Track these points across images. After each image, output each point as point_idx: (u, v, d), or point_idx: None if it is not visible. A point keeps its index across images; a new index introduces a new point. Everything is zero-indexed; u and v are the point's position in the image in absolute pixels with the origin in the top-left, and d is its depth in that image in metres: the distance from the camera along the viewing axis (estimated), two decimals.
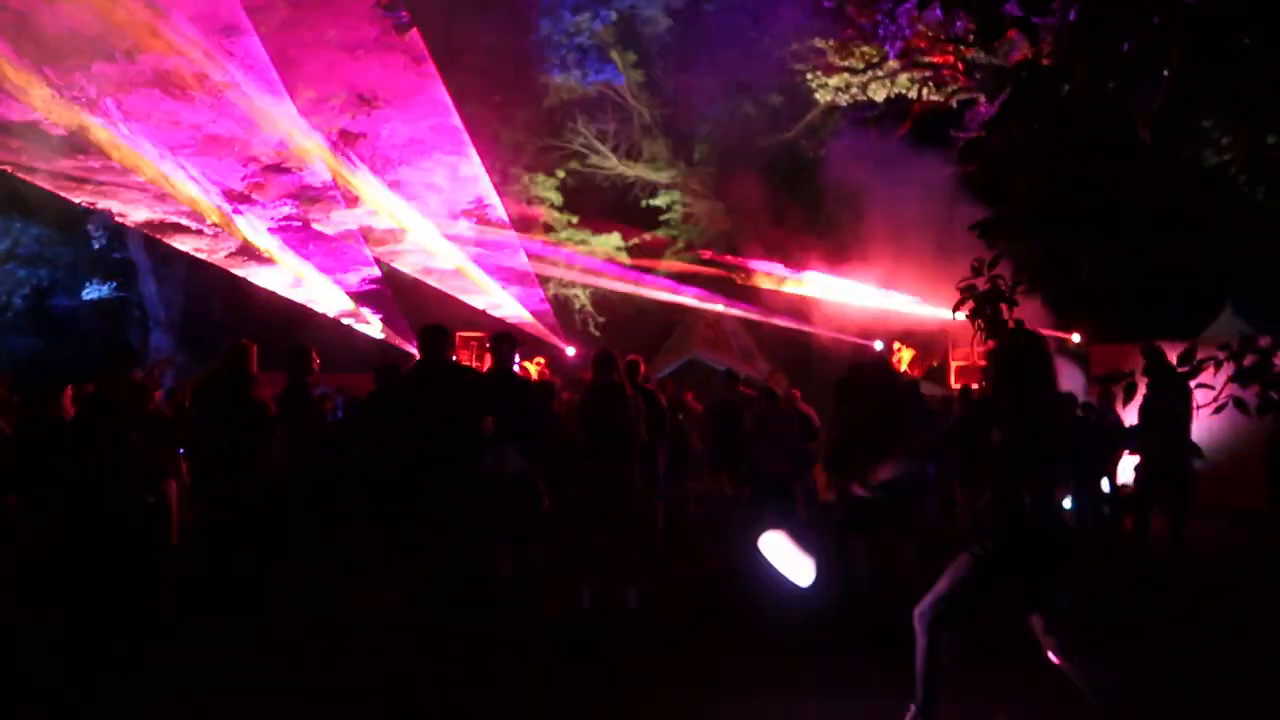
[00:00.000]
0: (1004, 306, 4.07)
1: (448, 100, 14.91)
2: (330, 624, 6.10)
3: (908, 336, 16.69)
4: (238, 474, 5.86)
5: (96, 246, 16.52)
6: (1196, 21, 3.06)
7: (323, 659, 5.39)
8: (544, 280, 18.84)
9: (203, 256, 15.22)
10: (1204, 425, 6.62)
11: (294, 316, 16.24)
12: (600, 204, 19.56)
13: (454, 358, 6.57)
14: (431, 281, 17.23)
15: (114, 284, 17.17)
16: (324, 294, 16.34)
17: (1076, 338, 14.93)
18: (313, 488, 6.95)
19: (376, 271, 16.94)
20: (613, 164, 19.65)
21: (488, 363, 7.57)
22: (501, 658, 5.36)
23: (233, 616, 5.82)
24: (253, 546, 5.97)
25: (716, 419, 10.80)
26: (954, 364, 16.12)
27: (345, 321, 16.67)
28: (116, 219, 14.81)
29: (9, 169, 13.31)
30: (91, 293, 16.87)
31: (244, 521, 5.88)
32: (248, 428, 5.87)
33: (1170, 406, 7.06)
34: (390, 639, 5.67)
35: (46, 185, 13.71)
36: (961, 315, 4.26)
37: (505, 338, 6.76)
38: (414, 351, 16.55)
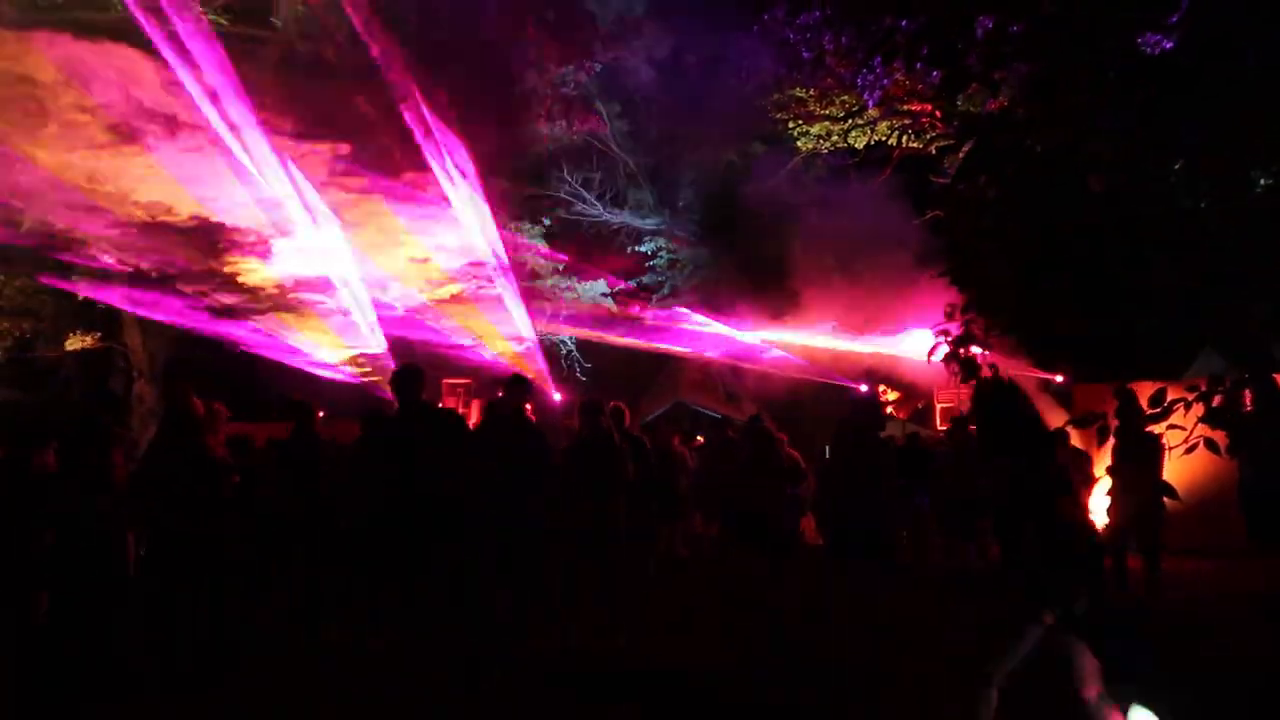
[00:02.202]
0: (978, 349, 4.13)
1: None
2: (311, 669, 6.03)
3: (893, 379, 16.82)
4: (191, 518, 5.73)
5: (81, 297, 16.48)
6: (1159, 72, 3.16)
7: (302, 707, 5.32)
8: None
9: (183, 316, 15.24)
10: (1181, 465, 6.68)
11: (278, 365, 16.20)
12: (586, 250, 19.70)
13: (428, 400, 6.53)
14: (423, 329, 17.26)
15: (98, 334, 17.08)
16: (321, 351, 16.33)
17: (1059, 378, 15.04)
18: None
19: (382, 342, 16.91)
20: (598, 211, 19.84)
21: (475, 408, 7.62)
22: (487, 701, 5.30)
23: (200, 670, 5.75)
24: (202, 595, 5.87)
25: (705, 462, 10.84)
26: (939, 405, 16.23)
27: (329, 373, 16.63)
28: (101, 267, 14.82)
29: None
30: (75, 344, 16.77)
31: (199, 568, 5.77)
32: (193, 472, 5.74)
33: (1138, 448, 7.15)
34: (373, 684, 5.60)
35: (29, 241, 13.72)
36: (937, 359, 4.32)
37: (519, 381, 6.73)
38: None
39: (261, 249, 14.74)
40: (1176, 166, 4.65)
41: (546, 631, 6.38)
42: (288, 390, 13.02)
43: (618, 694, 5.56)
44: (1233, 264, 3.88)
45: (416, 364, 6.20)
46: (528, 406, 7.59)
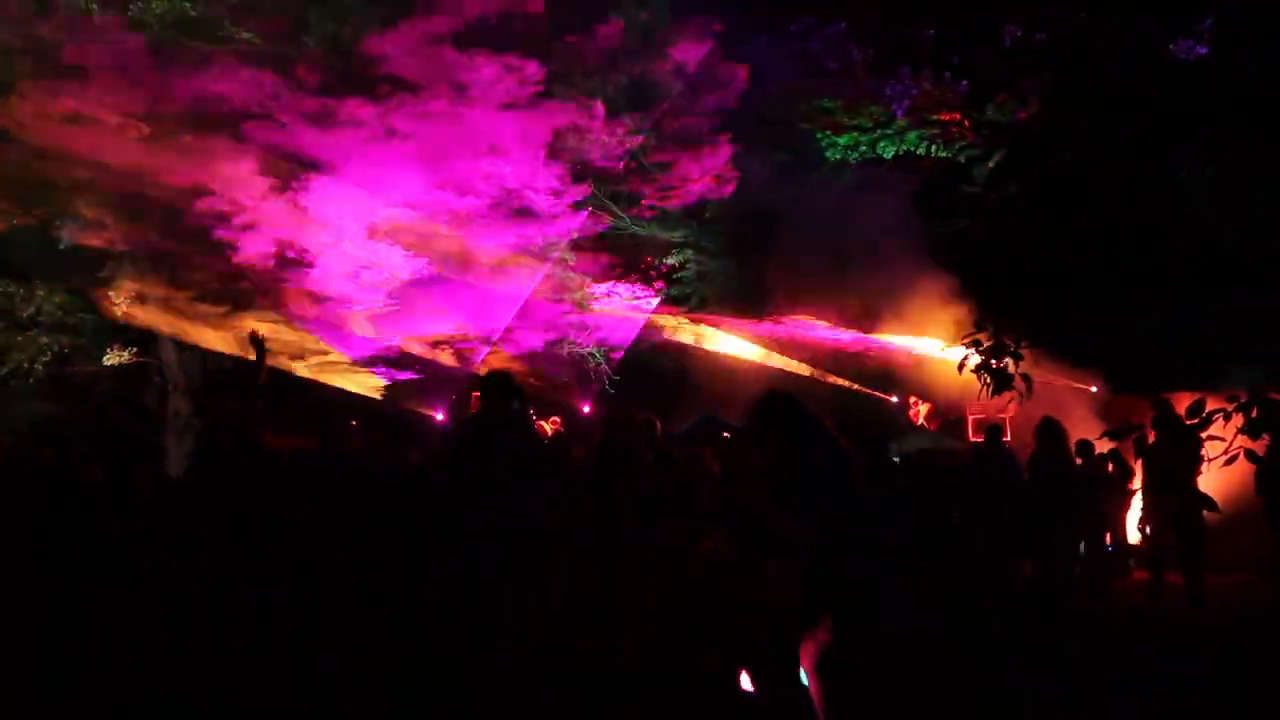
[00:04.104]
0: (1009, 360, 4.07)
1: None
2: (311, 669, 6.02)
3: (923, 389, 16.64)
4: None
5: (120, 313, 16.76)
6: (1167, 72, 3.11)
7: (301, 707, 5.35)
8: (559, 339, 18.94)
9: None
10: (1220, 476, 6.54)
11: (308, 379, 16.38)
12: (614, 262, 19.72)
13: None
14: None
15: (135, 350, 17.34)
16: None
17: (1094, 389, 14.81)
18: None
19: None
20: (626, 224, 19.86)
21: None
22: (486, 701, 5.29)
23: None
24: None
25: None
26: (971, 417, 16.00)
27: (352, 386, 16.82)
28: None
29: None
30: (112, 359, 17.03)
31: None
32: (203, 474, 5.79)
33: (1177, 459, 7.01)
34: (372, 685, 5.62)
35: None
36: (968, 369, 4.27)
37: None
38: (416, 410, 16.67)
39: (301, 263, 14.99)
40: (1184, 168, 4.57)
41: (545, 632, 6.35)
42: (319, 403, 13.14)
43: (618, 694, 5.54)
44: (1238, 262, 3.83)
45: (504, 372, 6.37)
46: (556, 419, 7.62)
